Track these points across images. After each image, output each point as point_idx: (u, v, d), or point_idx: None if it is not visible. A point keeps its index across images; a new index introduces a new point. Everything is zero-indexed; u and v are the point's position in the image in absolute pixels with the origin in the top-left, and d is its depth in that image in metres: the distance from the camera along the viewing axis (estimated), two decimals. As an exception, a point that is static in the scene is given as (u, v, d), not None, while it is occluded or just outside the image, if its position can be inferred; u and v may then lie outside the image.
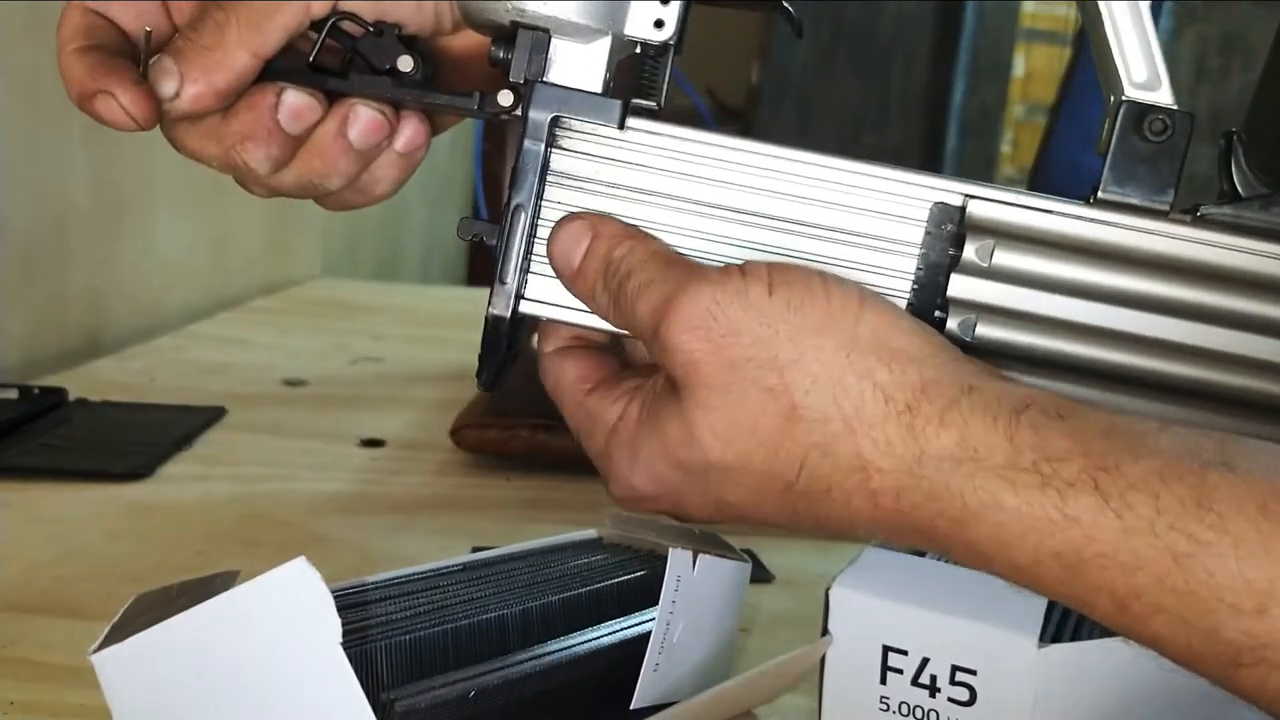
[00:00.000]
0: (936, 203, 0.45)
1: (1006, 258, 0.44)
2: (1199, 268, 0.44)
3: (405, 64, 0.46)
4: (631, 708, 0.48)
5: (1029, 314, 0.45)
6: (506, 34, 0.45)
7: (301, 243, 1.80)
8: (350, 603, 0.48)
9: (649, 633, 0.48)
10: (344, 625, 0.40)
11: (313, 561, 0.39)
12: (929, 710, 0.49)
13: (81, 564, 0.69)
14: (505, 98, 0.46)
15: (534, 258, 0.45)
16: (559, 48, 0.45)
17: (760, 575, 0.69)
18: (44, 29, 1.11)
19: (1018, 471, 0.39)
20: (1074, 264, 0.44)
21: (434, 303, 1.62)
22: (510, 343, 0.46)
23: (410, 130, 0.47)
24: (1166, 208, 0.44)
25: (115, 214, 1.25)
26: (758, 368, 0.41)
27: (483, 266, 2.39)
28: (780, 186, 0.45)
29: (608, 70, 0.45)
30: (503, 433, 0.88)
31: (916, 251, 0.45)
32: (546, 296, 0.45)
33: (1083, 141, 2.00)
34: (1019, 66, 3.01)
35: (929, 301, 0.45)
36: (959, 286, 0.45)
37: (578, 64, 0.45)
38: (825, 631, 0.51)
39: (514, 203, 0.45)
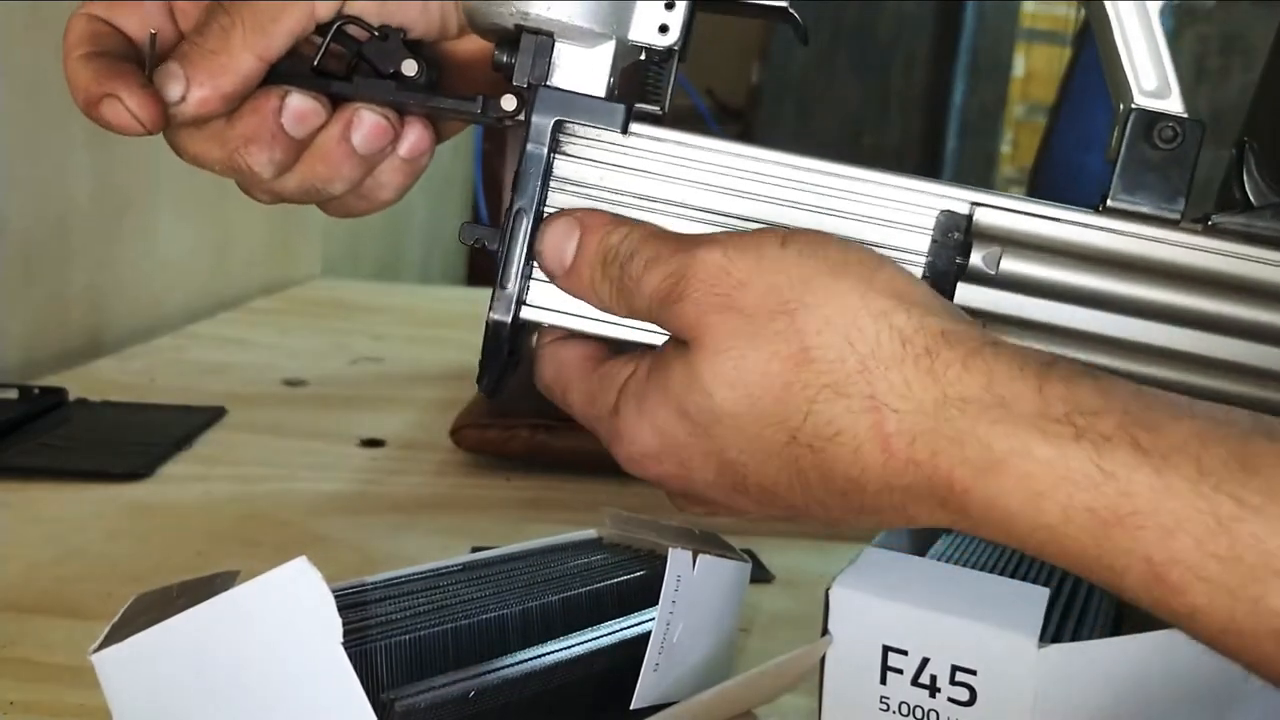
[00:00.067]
0: (943, 210, 0.44)
1: (1014, 265, 0.44)
2: (1210, 277, 0.44)
3: (410, 68, 0.46)
4: (631, 708, 0.48)
5: (1036, 322, 0.44)
6: (510, 38, 0.45)
7: (302, 243, 1.80)
8: (350, 603, 0.48)
9: (649, 633, 0.48)
10: (344, 625, 0.40)
11: (313, 561, 0.39)
12: (929, 710, 0.49)
13: (81, 564, 0.69)
14: (509, 102, 0.45)
15: (535, 264, 0.45)
16: (563, 52, 0.44)
17: (760, 575, 0.69)
18: (44, 29, 1.12)
19: (1049, 421, 0.37)
20: (1082, 272, 0.44)
21: (434, 303, 1.62)
22: (511, 348, 0.45)
23: (414, 136, 0.47)
24: (1177, 216, 0.44)
25: (116, 214, 1.25)
26: (768, 312, 0.40)
27: (483, 267, 2.39)
28: (785, 194, 0.45)
29: (612, 75, 0.45)
30: (503, 433, 0.88)
31: (923, 259, 0.44)
32: (548, 302, 0.45)
33: (1083, 142, 2.01)
34: (1019, 66, 3.01)
35: None
36: (966, 294, 0.44)
37: (581, 68, 0.45)
38: (825, 631, 0.50)
39: (516, 207, 0.45)
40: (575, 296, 0.45)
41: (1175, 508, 0.35)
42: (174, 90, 0.44)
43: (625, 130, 0.45)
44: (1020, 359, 0.39)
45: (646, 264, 0.42)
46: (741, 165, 0.45)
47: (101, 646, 0.40)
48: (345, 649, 0.40)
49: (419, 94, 0.46)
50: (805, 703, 0.54)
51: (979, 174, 3.02)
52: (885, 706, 0.50)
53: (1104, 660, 0.47)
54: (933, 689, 0.48)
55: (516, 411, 0.88)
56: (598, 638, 0.49)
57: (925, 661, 0.49)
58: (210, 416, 0.97)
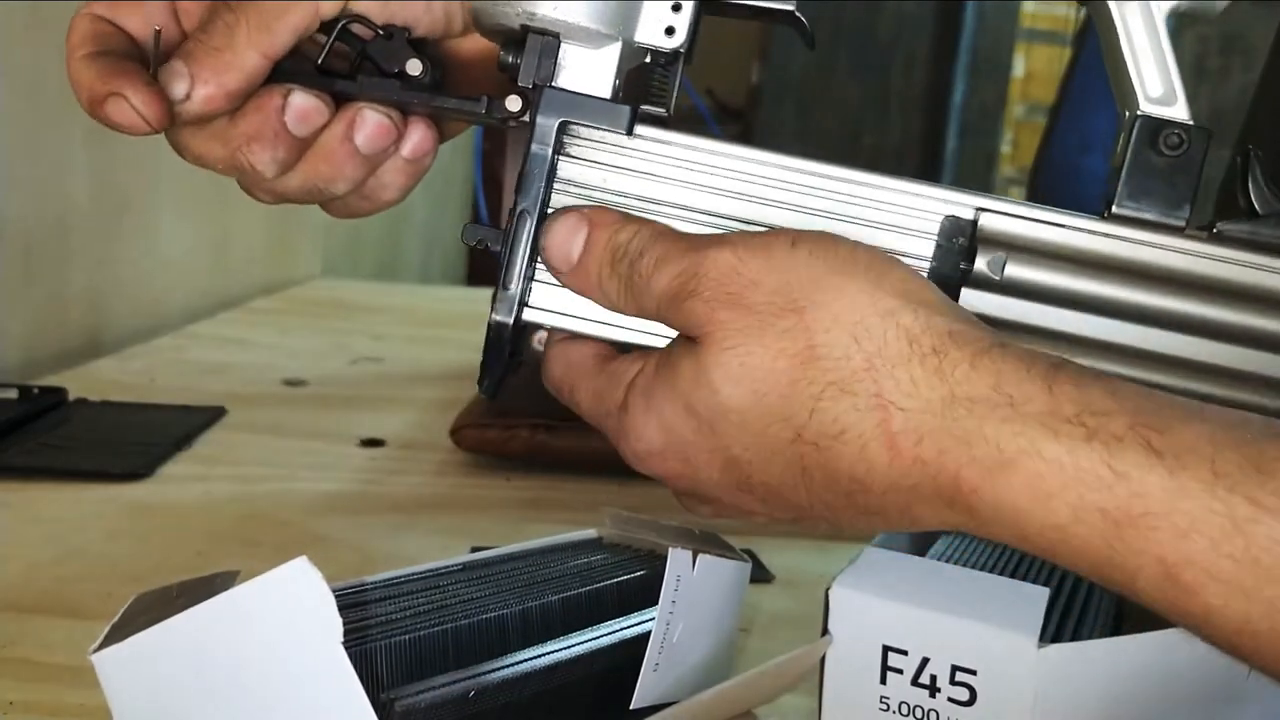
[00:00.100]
0: (947, 216, 0.44)
1: (1019, 271, 0.44)
2: (1215, 284, 0.44)
3: (414, 68, 0.45)
4: (631, 708, 0.48)
5: (1041, 328, 0.44)
6: (516, 38, 0.44)
7: (302, 243, 1.80)
8: (350, 603, 0.48)
9: (649, 633, 0.48)
10: (344, 625, 0.40)
11: (313, 561, 0.39)
12: (929, 710, 0.49)
13: (81, 564, 0.69)
14: (513, 103, 0.45)
15: (538, 265, 0.45)
16: (568, 53, 0.44)
17: (760, 575, 0.69)
18: (44, 29, 1.12)
19: (1060, 421, 0.37)
20: (1087, 279, 0.44)
21: (434, 303, 1.62)
22: (513, 350, 0.45)
23: (417, 136, 0.47)
24: (1182, 223, 0.44)
25: (116, 214, 1.25)
26: (776, 310, 0.40)
27: (483, 266, 2.39)
28: (790, 198, 0.44)
29: (617, 77, 0.44)
30: (503, 433, 0.88)
31: (927, 265, 0.44)
32: (550, 304, 0.45)
33: (1083, 142, 2.01)
34: (1019, 66, 3.01)
35: None
36: (970, 300, 0.44)
37: (587, 70, 0.44)
38: (825, 631, 0.50)
39: (519, 208, 0.45)
40: (579, 293, 0.45)
41: (1189, 509, 0.35)
42: (179, 88, 0.44)
43: (630, 131, 0.44)
44: (1028, 359, 0.38)
45: (657, 262, 0.42)
46: (746, 169, 0.45)
47: (101, 646, 0.40)
48: (345, 649, 0.40)
49: (423, 94, 0.46)
50: (805, 703, 0.54)
51: (979, 174, 3.02)
52: (885, 706, 0.50)
53: (1104, 660, 0.47)
54: (933, 689, 0.48)
55: (516, 411, 0.88)
56: (598, 638, 0.49)
57: (925, 661, 0.49)
58: (210, 416, 0.97)
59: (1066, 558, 0.37)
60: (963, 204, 0.44)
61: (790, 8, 0.46)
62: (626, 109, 0.44)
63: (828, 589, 0.50)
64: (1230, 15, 0.45)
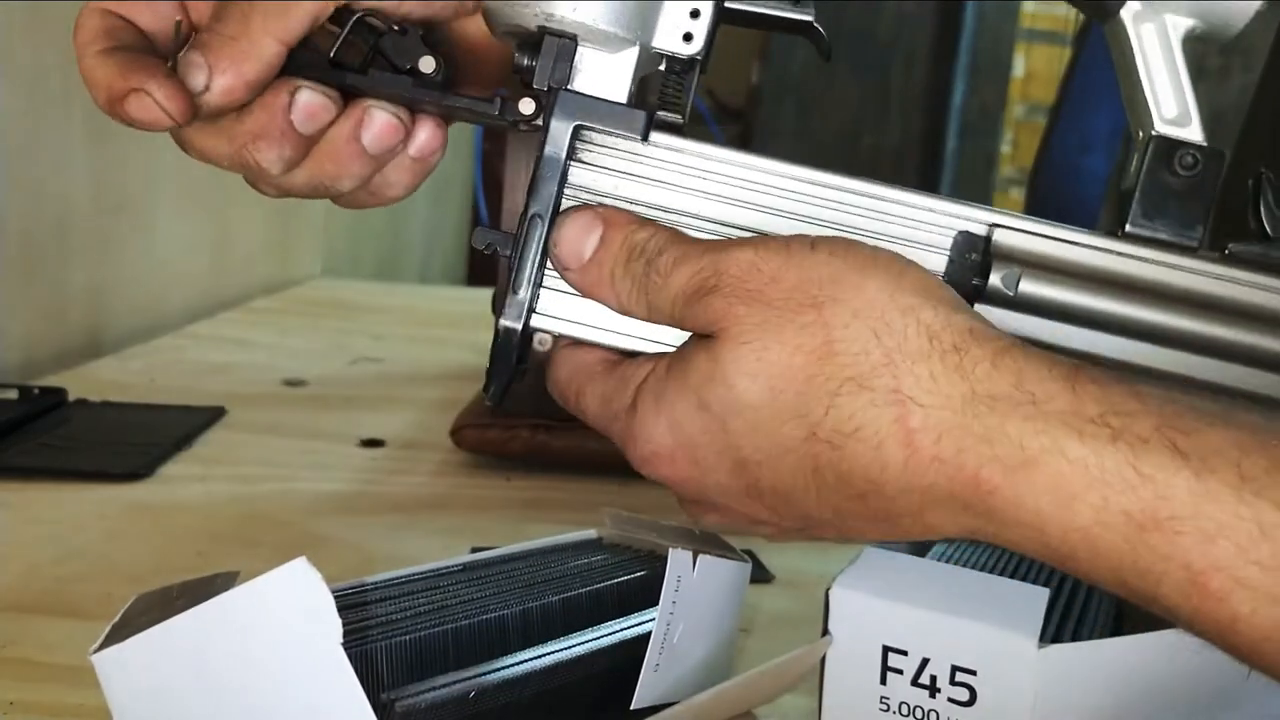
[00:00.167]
0: (961, 231, 0.44)
1: (1032, 288, 0.44)
2: (1226, 305, 0.44)
3: (427, 65, 0.45)
4: (631, 708, 0.48)
5: (1054, 345, 0.44)
6: (532, 40, 0.44)
7: (302, 243, 1.80)
8: (350, 603, 0.48)
9: (649, 633, 0.48)
10: (344, 625, 0.40)
11: (313, 562, 0.39)
12: (929, 710, 0.49)
13: (81, 564, 0.69)
14: (527, 105, 0.45)
15: (547, 271, 0.44)
16: (585, 56, 0.44)
17: (760, 575, 0.69)
18: (44, 29, 1.12)
19: (1084, 421, 0.36)
20: (1101, 297, 0.44)
21: (434, 303, 1.62)
22: (520, 356, 0.45)
23: (425, 134, 0.46)
24: (1195, 244, 0.44)
25: (115, 214, 1.25)
26: (795, 306, 0.39)
27: (483, 267, 2.39)
28: (804, 209, 0.44)
29: (633, 82, 0.44)
30: (503, 433, 0.88)
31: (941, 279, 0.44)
32: (558, 311, 0.44)
33: (1083, 142, 2.01)
34: (1019, 66, 3.01)
35: None
36: (984, 315, 0.44)
37: (603, 74, 0.44)
38: (825, 631, 0.50)
39: (531, 212, 0.44)
40: (586, 292, 0.44)
41: (1216, 513, 0.34)
42: (197, 79, 0.42)
43: (646, 137, 0.44)
44: (1050, 359, 0.38)
45: (675, 260, 0.42)
46: (759, 179, 0.44)
47: (101, 646, 0.40)
48: (345, 649, 0.40)
49: (435, 92, 0.45)
50: (805, 703, 0.54)
51: (979, 174, 3.02)
52: (885, 706, 0.50)
53: (1104, 660, 0.47)
54: (933, 689, 0.48)
55: (516, 411, 0.88)
56: (598, 638, 0.49)
57: (925, 662, 0.49)
58: (210, 416, 0.97)
59: (1087, 563, 0.36)
60: (976, 219, 0.44)
61: (809, 18, 0.45)
62: (642, 114, 0.44)
63: (828, 589, 0.50)
64: (1230, 16, 0.45)
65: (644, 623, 0.50)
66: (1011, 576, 0.51)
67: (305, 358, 1.23)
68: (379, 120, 0.45)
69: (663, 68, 0.45)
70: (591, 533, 0.60)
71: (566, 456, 0.87)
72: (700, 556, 0.49)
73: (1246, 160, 0.81)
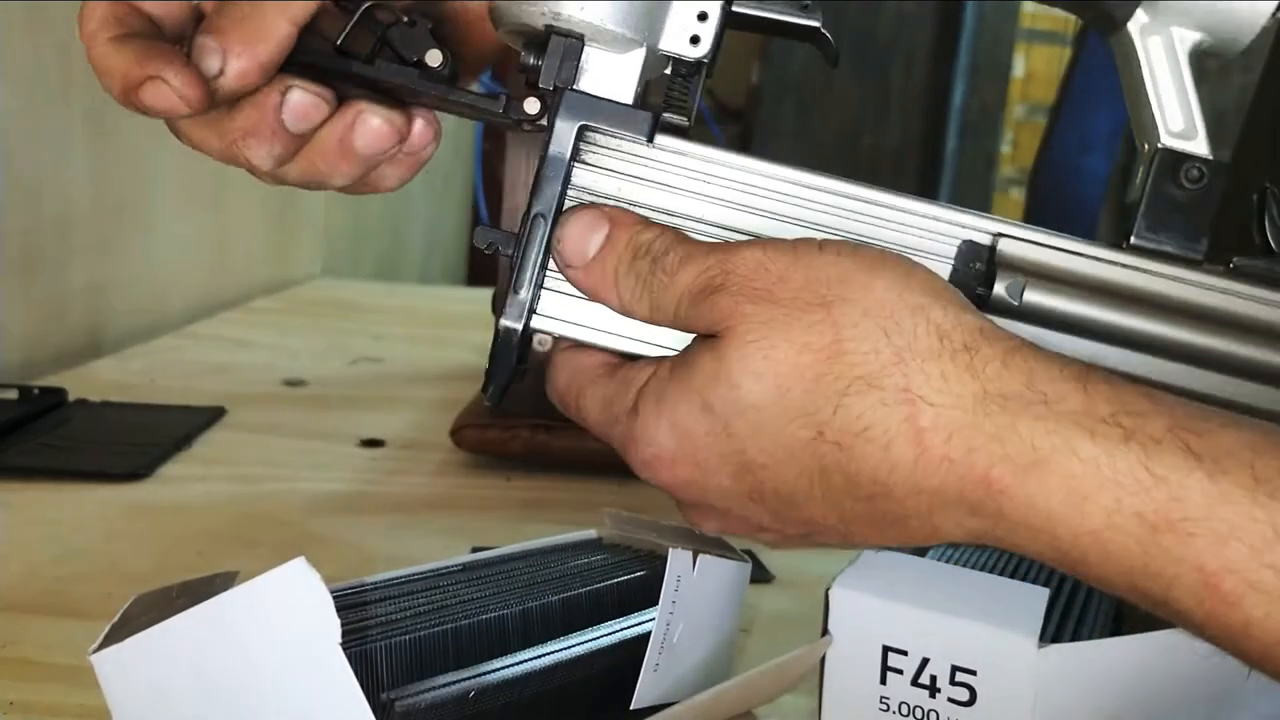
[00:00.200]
0: (965, 240, 0.44)
1: (1037, 298, 0.43)
2: (1231, 319, 0.44)
3: (434, 58, 0.44)
4: (631, 708, 0.48)
5: None
6: (538, 40, 0.44)
7: (302, 243, 1.80)
8: (350, 603, 0.48)
9: (649, 633, 0.48)
10: (343, 625, 0.40)
11: (312, 561, 0.39)
12: (929, 710, 0.49)
13: (81, 564, 0.69)
14: (532, 105, 0.44)
15: (548, 272, 0.44)
16: (591, 56, 0.43)
17: (760, 575, 0.69)
18: (44, 29, 1.11)
19: (1095, 421, 0.35)
20: (1105, 308, 0.43)
21: (434, 303, 1.62)
22: (520, 357, 0.44)
23: (418, 129, 0.46)
24: (1200, 257, 0.44)
25: (115, 213, 1.25)
26: (803, 305, 0.39)
27: (483, 267, 2.39)
28: (808, 215, 0.44)
29: (639, 84, 0.44)
30: (503, 433, 0.88)
31: None
32: (558, 312, 0.44)
33: (1083, 142, 2.01)
34: (1019, 67, 3.01)
35: None
36: None
37: (609, 74, 0.44)
38: (825, 631, 0.51)
39: (534, 212, 0.44)
40: (589, 290, 0.43)
41: (1229, 515, 0.34)
42: (212, 63, 0.42)
43: (651, 139, 0.44)
44: (1060, 359, 0.38)
45: (681, 259, 0.41)
46: (764, 184, 0.44)
47: (101, 647, 0.40)
48: (345, 649, 0.40)
49: (440, 86, 0.45)
50: (805, 703, 0.54)
51: (979, 174, 3.03)
52: (885, 706, 0.50)
53: (1104, 660, 0.47)
54: (933, 689, 0.48)
55: (516, 411, 0.88)
56: (598, 638, 0.49)
57: (925, 661, 0.49)
58: (210, 416, 0.97)
59: (1097, 565, 0.36)
60: (981, 228, 0.44)
61: (816, 24, 0.45)
62: (648, 115, 0.44)
63: (828, 589, 0.50)
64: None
65: (644, 623, 0.50)
66: (1011, 576, 0.51)
67: (305, 358, 1.23)
68: (372, 126, 0.45)
69: (668, 70, 0.45)
70: (591, 533, 0.60)
71: (566, 456, 0.87)
72: (700, 556, 0.49)
73: (1247, 161, 0.81)
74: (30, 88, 1.08)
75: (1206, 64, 0.45)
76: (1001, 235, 0.44)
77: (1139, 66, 0.44)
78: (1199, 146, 0.44)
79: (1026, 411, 0.36)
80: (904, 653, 0.49)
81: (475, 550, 0.61)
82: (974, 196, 3.02)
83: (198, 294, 1.43)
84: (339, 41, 0.44)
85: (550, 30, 0.43)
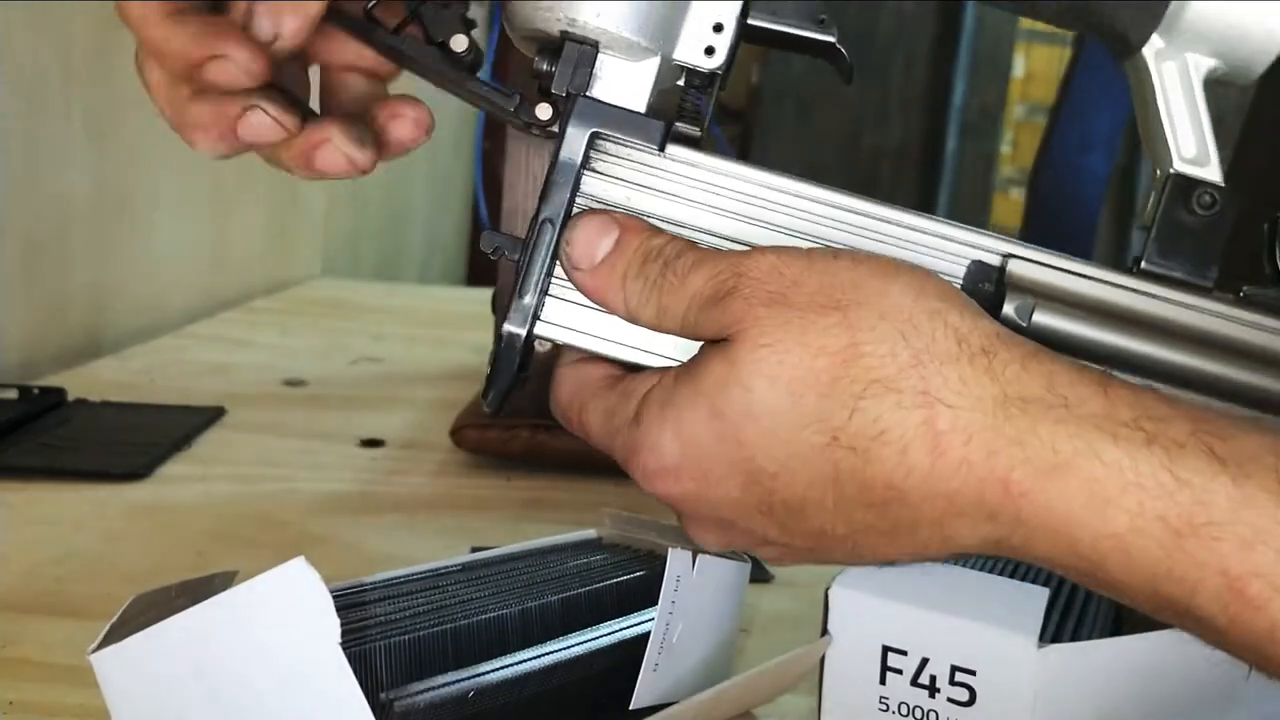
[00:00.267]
0: (975, 260, 0.44)
1: (1046, 320, 0.43)
2: (1240, 347, 0.43)
3: (459, 44, 0.44)
4: (631, 708, 0.48)
5: None
6: (552, 46, 0.44)
7: (301, 243, 1.80)
8: (349, 603, 0.48)
9: (648, 633, 0.48)
10: (343, 625, 0.40)
11: (312, 561, 0.39)
12: (929, 710, 0.49)
13: (81, 564, 0.69)
14: (544, 111, 0.44)
15: (554, 279, 0.44)
16: (605, 64, 0.43)
17: (760, 575, 0.69)
18: (45, 30, 1.11)
19: (1117, 425, 0.35)
20: (1114, 332, 0.43)
21: (434, 303, 1.62)
22: (522, 363, 0.44)
23: (404, 132, 0.45)
24: (1210, 284, 0.44)
25: (115, 214, 1.25)
26: (818, 308, 0.38)
27: (483, 267, 2.39)
28: (817, 230, 0.44)
29: (652, 94, 0.44)
30: (503, 433, 0.88)
31: None
32: (562, 320, 0.44)
33: (1083, 143, 2.01)
34: (1019, 67, 3.01)
35: None
36: None
37: (623, 82, 0.43)
38: (825, 631, 0.51)
39: (542, 217, 0.43)
40: (595, 294, 0.43)
41: (1254, 519, 0.34)
42: (265, 27, 0.40)
43: (662, 148, 0.43)
44: (1078, 364, 0.38)
45: (694, 264, 0.41)
46: (775, 197, 0.44)
47: (101, 646, 0.40)
48: (344, 649, 0.40)
49: (459, 72, 0.44)
50: (805, 703, 0.54)
51: (979, 174, 3.03)
52: (885, 706, 0.50)
53: (1104, 660, 0.47)
54: (932, 689, 0.48)
55: (516, 411, 0.87)
56: (597, 638, 0.49)
57: (925, 661, 0.49)
58: (210, 416, 0.97)
59: (1118, 570, 0.36)
60: (991, 249, 0.44)
61: (832, 39, 0.45)
62: (660, 124, 0.43)
63: (828, 589, 0.50)
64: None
65: (643, 623, 0.50)
66: (1011, 577, 0.51)
67: (305, 358, 1.23)
68: (332, 158, 0.43)
69: (681, 81, 0.45)
70: (591, 533, 0.60)
71: (566, 456, 0.87)
72: (700, 556, 0.49)
73: (1247, 162, 0.81)
74: (31, 89, 1.08)
75: (1216, 89, 0.45)
76: (1011, 256, 0.43)
77: (1153, 91, 0.44)
78: (1211, 173, 0.44)
79: (1047, 415, 0.36)
80: (904, 653, 0.49)
81: (475, 550, 0.61)
82: (974, 196, 3.03)
83: (198, 294, 1.43)
84: (370, 5, 0.43)
85: (565, 36, 0.43)
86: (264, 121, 0.41)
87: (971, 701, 0.48)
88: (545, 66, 0.44)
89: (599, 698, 0.50)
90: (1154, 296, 0.44)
